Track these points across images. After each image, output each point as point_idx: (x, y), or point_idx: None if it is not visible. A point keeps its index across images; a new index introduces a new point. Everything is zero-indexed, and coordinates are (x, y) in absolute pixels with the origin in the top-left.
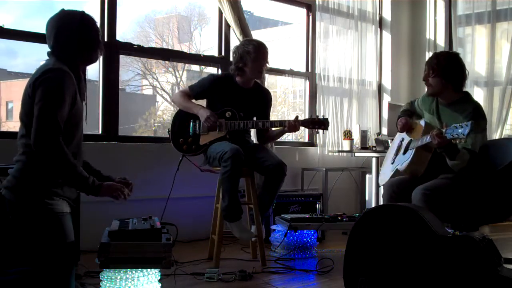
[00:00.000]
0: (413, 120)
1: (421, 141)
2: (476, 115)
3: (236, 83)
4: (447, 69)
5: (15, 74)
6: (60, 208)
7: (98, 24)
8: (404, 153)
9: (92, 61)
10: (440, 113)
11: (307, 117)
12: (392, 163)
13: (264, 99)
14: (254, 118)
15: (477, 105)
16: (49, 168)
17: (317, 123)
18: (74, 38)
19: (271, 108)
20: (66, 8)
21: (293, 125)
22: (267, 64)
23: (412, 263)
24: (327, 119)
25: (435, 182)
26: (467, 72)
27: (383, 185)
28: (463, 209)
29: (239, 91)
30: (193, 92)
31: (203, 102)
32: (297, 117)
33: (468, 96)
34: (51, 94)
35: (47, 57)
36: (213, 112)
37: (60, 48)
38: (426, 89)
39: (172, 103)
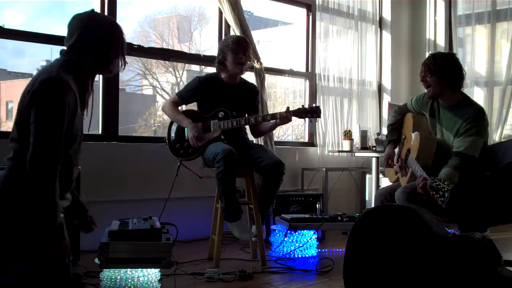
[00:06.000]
0: (409, 124)
1: (415, 168)
2: (478, 118)
3: (222, 80)
4: (445, 69)
5: (15, 74)
6: None
7: None
8: (405, 162)
9: (109, 72)
10: (441, 116)
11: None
12: (397, 162)
13: (251, 93)
14: (246, 114)
15: (479, 108)
16: (29, 193)
17: (309, 112)
18: (98, 45)
19: (271, 108)
20: (96, 10)
21: (285, 116)
22: (250, 59)
23: (412, 263)
24: (318, 106)
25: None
26: (464, 71)
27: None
28: (468, 207)
29: (227, 88)
30: (181, 99)
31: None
32: (288, 108)
33: (468, 99)
34: (48, 114)
35: (59, 55)
36: (201, 135)
37: (79, 50)
38: (426, 91)
39: (163, 112)
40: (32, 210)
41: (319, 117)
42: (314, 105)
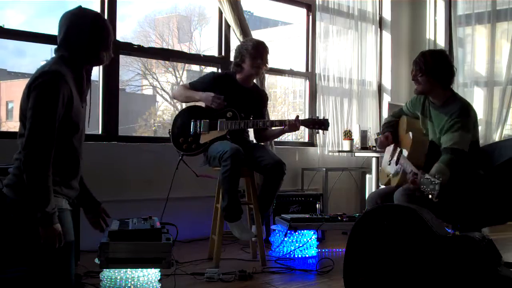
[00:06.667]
0: (402, 126)
1: (405, 165)
2: (462, 114)
3: (236, 81)
4: (435, 68)
5: (15, 74)
6: (59, 204)
7: None
8: (396, 163)
9: (99, 62)
10: (431, 115)
11: (307, 117)
12: (389, 164)
13: (261, 99)
14: (251, 118)
15: (463, 104)
16: (25, 181)
17: (317, 123)
18: (84, 36)
19: (271, 108)
20: (83, 6)
21: (294, 124)
22: (266, 64)
23: (412, 263)
24: (327, 119)
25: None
26: (454, 68)
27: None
28: (463, 207)
29: (239, 90)
30: (193, 89)
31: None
32: (297, 116)
33: (454, 95)
34: (42, 102)
35: (54, 53)
36: (218, 96)
37: (68, 44)
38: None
39: (174, 98)
40: (26, 194)
41: (327, 129)
42: (323, 117)
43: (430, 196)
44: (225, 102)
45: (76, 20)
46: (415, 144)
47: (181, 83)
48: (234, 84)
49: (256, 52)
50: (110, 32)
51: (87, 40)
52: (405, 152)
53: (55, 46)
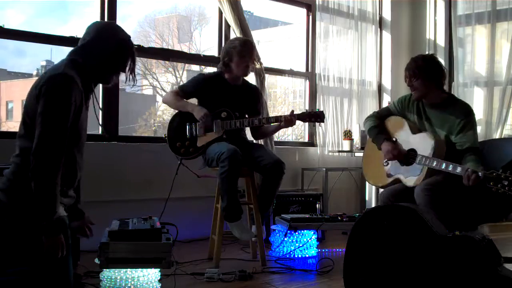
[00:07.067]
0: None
1: (438, 165)
2: (467, 114)
3: (226, 80)
4: (427, 69)
5: (15, 74)
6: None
7: None
8: (407, 163)
9: (106, 81)
10: (428, 115)
11: None
12: (386, 165)
13: (254, 95)
14: (246, 116)
15: (464, 104)
16: (33, 186)
17: (313, 116)
18: (106, 52)
19: (271, 108)
20: (117, 24)
21: (289, 120)
22: (254, 62)
23: (412, 263)
24: (322, 111)
25: (436, 178)
26: (445, 69)
27: (381, 192)
28: (461, 205)
29: (230, 89)
30: (184, 93)
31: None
32: (292, 111)
33: (452, 96)
34: (54, 108)
35: (67, 55)
36: (207, 111)
37: (88, 52)
38: (412, 93)
39: (164, 103)
40: (33, 201)
41: (323, 121)
42: (318, 109)
43: (501, 190)
44: (212, 122)
45: (105, 33)
46: (439, 145)
47: (181, 83)
48: (224, 83)
49: (244, 50)
50: (132, 59)
51: (108, 57)
52: (423, 152)
53: (68, 48)
